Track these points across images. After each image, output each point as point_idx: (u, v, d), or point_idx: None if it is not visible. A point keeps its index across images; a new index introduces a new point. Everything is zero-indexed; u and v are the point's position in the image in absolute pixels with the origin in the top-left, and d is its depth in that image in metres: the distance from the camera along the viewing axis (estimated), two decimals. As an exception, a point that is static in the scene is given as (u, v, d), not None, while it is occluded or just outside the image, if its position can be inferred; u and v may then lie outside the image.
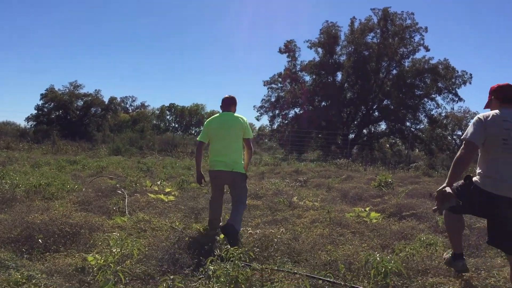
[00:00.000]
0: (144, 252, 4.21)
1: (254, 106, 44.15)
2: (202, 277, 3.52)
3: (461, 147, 3.71)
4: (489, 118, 3.64)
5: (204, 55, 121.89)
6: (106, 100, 52.12)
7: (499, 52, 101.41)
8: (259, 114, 43.61)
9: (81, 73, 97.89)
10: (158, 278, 3.64)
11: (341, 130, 41.34)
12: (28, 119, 48.94)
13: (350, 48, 41.75)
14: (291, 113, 43.31)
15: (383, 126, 45.05)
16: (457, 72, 40.67)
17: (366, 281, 3.60)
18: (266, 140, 52.03)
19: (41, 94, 48.02)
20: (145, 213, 6.35)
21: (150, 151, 26.82)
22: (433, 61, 40.74)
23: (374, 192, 10.26)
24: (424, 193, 9.92)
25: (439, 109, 42.84)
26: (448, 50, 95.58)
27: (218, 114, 5.77)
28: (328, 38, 41.26)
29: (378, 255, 3.66)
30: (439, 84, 41.13)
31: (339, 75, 42.78)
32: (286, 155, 28.41)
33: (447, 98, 41.57)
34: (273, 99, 43.44)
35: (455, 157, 3.71)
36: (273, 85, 43.83)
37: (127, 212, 6.55)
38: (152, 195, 7.64)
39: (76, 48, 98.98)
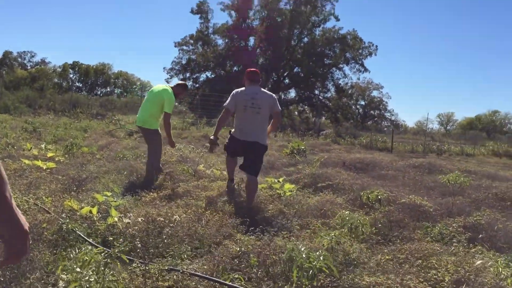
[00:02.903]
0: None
1: (164, 68, 42.46)
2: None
3: (222, 111, 5.68)
4: (239, 92, 5.59)
5: (113, 9, 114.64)
6: None
7: (404, 25, 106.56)
8: (169, 77, 41.81)
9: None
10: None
11: (251, 95, 40.81)
12: None
13: (263, 13, 41.15)
14: (203, 76, 42.10)
15: (292, 93, 45.52)
16: (364, 43, 41.97)
17: (288, 286, 2.75)
18: (176, 103, 50.24)
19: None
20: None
21: (46, 111, 24.28)
22: (342, 31, 41.61)
23: (286, 160, 9.63)
24: (338, 162, 9.45)
25: (346, 79, 44.10)
26: (356, 21, 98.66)
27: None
28: (241, 2, 40.20)
29: (303, 249, 2.82)
30: (347, 55, 42.26)
31: (251, 40, 42.24)
32: (196, 120, 27.24)
33: (354, 69, 42.93)
34: (184, 62, 41.83)
35: (219, 118, 5.72)
36: (185, 47, 42.17)
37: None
38: (26, 161, 6.27)
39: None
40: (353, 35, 41.74)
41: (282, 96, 44.47)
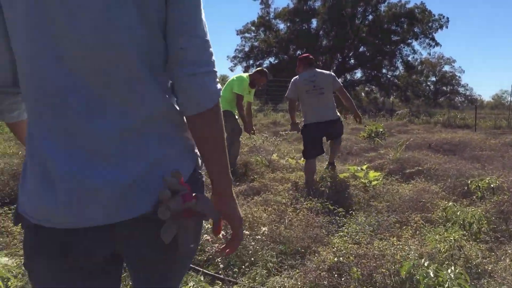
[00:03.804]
0: None
1: (227, 57, 42.64)
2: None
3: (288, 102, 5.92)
4: (297, 79, 5.58)
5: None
6: None
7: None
8: (232, 65, 41.90)
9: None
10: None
11: (316, 79, 40.13)
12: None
13: (325, -7, 39.88)
14: (266, 62, 41.71)
15: (358, 74, 44.17)
16: (434, 16, 39.83)
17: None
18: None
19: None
20: None
21: None
22: (409, 5, 39.73)
23: (364, 144, 8.91)
24: (422, 144, 8.61)
25: (416, 55, 42.16)
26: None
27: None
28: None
29: (426, 264, 2.22)
30: (416, 29, 40.31)
31: (314, 22, 41.30)
32: (262, 106, 26.84)
33: (424, 43, 41.11)
34: (246, 49, 41.66)
35: (288, 109, 5.98)
36: (247, 34, 41.97)
37: None
38: None
39: None
40: (421, 8, 39.65)
41: (348, 77, 43.23)
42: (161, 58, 1.05)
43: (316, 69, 5.66)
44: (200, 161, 1.15)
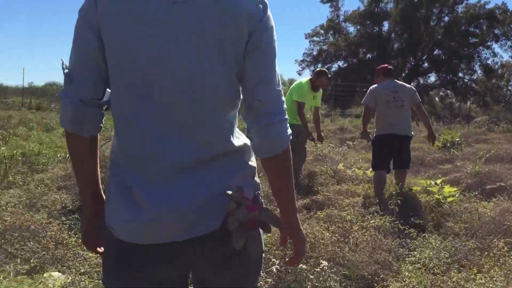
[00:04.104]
0: None
1: (295, 60, 42.07)
2: None
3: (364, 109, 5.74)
4: (377, 87, 5.46)
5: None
6: None
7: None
8: (300, 69, 41.45)
9: None
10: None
11: (388, 83, 39.14)
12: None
13: (398, -5, 38.67)
14: (334, 66, 41.08)
15: (432, 78, 42.30)
16: (516, 16, 37.27)
17: None
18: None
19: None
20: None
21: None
22: (489, 6, 37.45)
23: (439, 155, 8.35)
24: (504, 156, 7.92)
25: (496, 58, 39.78)
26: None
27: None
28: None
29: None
30: (496, 31, 38.06)
31: (385, 25, 40.10)
32: (329, 111, 26.32)
33: (505, 46, 38.55)
34: (315, 53, 41.19)
35: (362, 116, 5.82)
36: (315, 38, 41.49)
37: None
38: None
39: None
40: (503, 9, 37.39)
41: (421, 81, 41.57)
42: (234, 99, 1.20)
43: (396, 80, 5.62)
44: (259, 187, 1.28)
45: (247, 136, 1.24)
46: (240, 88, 1.21)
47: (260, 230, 1.20)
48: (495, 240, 3.60)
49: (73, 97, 1.16)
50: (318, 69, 6.52)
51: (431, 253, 3.23)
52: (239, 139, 1.24)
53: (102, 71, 1.16)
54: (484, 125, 17.09)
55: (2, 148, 6.89)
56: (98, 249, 1.36)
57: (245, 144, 1.24)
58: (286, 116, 1.21)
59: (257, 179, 1.28)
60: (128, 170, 1.16)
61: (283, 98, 1.22)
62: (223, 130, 1.19)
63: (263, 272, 2.70)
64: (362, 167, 6.96)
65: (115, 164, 1.20)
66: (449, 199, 4.95)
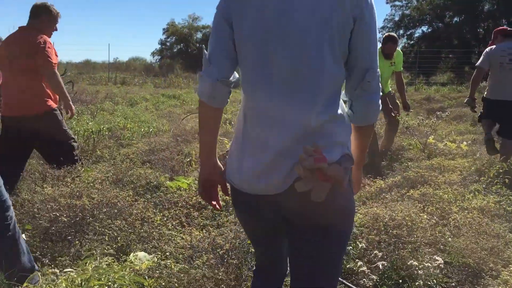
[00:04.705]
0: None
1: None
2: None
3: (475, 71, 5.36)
4: (493, 49, 5.14)
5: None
6: None
7: None
8: (381, 35, 39.70)
9: (200, 5, 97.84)
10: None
11: (476, 48, 36.50)
12: (153, 53, 50.01)
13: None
14: (418, 32, 38.89)
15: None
16: None
17: None
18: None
19: (163, 29, 48.77)
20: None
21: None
22: None
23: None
24: None
25: None
26: None
27: None
28: None
29: None
30: None
31: (475, -16, 36.95)
32: (413, 79, 24.98)
33: None
34: (397, 18, 39.12)
35: (472, 78, 5.30)
36: (397, 2, 39.31)
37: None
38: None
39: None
40: None
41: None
42: (340, 80, 1.41)
43: None
44: (348, 153, 1.45)
45: (350, 109, 1.47)
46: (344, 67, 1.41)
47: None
48: None
49: (212, 76, 1.45)
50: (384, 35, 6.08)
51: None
52: (343, 114, 1.46)
53: (234, 55, 1.46)
54: None
55: (90, 123, 7.14)
56: (213, 202, 1.68)
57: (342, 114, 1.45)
58: (381, 92, 1.46)
59: (349, 143, 1.48)
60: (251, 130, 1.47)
61: (380, 77, 1.44)
62: (334, 101, 1.42)
63: (367, 269, 2.49)
64: (455, 140, 6.43)
65: (241, 126, 1.50)
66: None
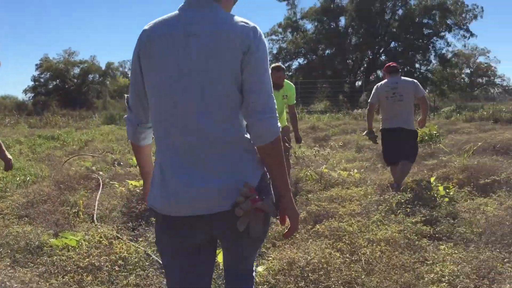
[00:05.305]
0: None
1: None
2: None
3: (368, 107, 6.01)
4: (381, 85, 5.77)
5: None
6: (103, 66, 50.94)
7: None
8: (266, 67, 41.18)
9: (75, 40, 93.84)
10: None
11: (348, 77, 39.56)
12: (25, 91, 47.13)
13: (352, -10, 39.00)
14: (295, 64, 41.11)
15: (390, 70, 42.83)
16: (467, 6, 38.41)
17: None
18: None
19: (36, 65, 46.09)
20: (110, 223, 4.26)
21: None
22: (441, -4, 38.10)
23: (420, 149, 8.12)
24: (485, 146, 7.77)
25: (450, 47, 40.76)
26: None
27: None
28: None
29: None
30: (449, 21, 38.93)
31: (342, 20, 40.45)
32: (296, 109, 26.09)
33: (458, 35, 39.64)
34: (275, 51, 40.98)
35: (367, 114, 6.02)
36: (274, 37, 41.34)
37: (95, 218, 4.47)
38: (133, 183, 5.53)
39: (67, 15, 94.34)
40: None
41: (380, 74, 42.12)
42: (238, 104, 1.60)
43: (402, 77, 5.85)
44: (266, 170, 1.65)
45: (246, 130, 1.65)
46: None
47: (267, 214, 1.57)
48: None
49: (132, 121, 1.74)
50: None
51: (454, 268, 2.90)
52: (246, 135, 1.64)
53: (147, 103, 1.68)
54: (452, 115, 17.19)
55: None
56: None
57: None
58: (276, 114, 1.58)
59: (259, 160, 1.64)
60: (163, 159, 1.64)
61: (273, 101, 1.59)
62: (236, 126, 1.62)
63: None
64: (346, 168, 6.64)
65: (157, 159, 1.66)
66: (446, 200, 4.70)
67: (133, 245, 3.51)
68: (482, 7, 38.40)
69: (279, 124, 1.58)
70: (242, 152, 1.60)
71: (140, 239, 3.76)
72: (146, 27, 1.64)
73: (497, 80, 51.82)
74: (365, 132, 5.98)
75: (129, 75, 1.76)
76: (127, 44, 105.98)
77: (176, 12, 1.64)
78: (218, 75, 1.53)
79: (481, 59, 51.22)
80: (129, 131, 1.76)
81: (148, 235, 3.82)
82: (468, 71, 52.42)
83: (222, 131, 1.56)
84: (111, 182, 5.99)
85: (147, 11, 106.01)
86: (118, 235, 3.78)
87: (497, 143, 7.90)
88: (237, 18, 1.61)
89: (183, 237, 1.64)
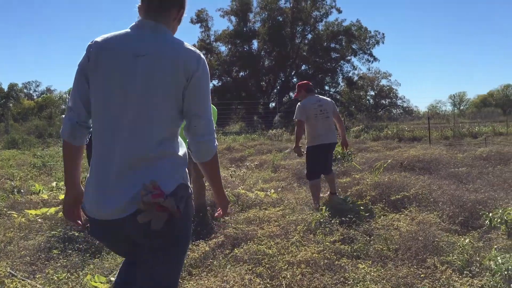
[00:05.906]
0: None
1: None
2: None
3: (296, 124, 5.89)
4: (305, 103, 5.85)
5: (104, 28, 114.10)
6: (5, 87, 47.75)
7: (409, 10, 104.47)
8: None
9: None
10: None
11: (262, 99, 40.29)
12: None
13: (263, 15, 40.31)
14: (210, 86, 41.15)
15: (302, 92, 44.33)
16: (370, 32, 41.00)
17: None
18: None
19: None
20: (4, 258, 3.79)
21: (57, 140, 23.12)
22: (346, 23, 40.74)
23: (334, 167, 8.30)
24: (393, 163, 8.10)
25: (356, 70, 43.23)
26: (359, 11, 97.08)
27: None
28: (240, 5, 39.54)
29: None
30: (354, 46, 41.28)
31: (255, 43, 41.37)
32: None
33: (363, 59, 42.22)
34: (188, 73, 40.76)
35: (296, 131, 5.91)
36: (187, 58, 41.11)
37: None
38: (33, 212, 5.02)
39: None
40: (358, 26, 40.75)
41: (292, 95, 43.37)
42: (175, 125, 1.78)
43: (317, 95, 6.08)
44: (188, 178, 1.84)
45: (188, 148, 1.83)
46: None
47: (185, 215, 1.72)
48: (428, 259, 3.38)
49: (72, 120, 1.81)
50: None
51: (375, 287, 2.86)
52: (176, 150, 1.79)
53: (89, 105, 1.78)
54: (362, 134, 17.97)
55: None
56: (77, 221, 1.95)
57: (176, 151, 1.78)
58: (215, 136, 1.82)
59: (184, 175, 1.78)
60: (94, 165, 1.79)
61: (212, 124, 1.79)
62: (170, 141, 1.76)
63: None
64: (263, 188, 6.58)
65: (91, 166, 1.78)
66: (363, 214, 4.77)
67: (28, 283, 3.12)
68: (383, 34, 41.18)
69: (216, 143, 1.81)
70: (168, 165, 1.70)
71: (38, 275, 3.36)
72: (98, 39, 1.74)
73: (398, 102, 55.34)
74: (294, 148, 5.98)
75: (73, 81, 1.78)
76: (31, 64, 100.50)
77: (128, 30, 1.75)
78: (160, 99, 1.66)
79: (383, 82, 54.63)
80: (66, 129, 1.81)
81: (47, 270, 3.42)
82: (372, 93, 55.65)
83: (153, 149, 1.67)
84: (8, 212, 5.42)
85: (49, 29, 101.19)
86: (12, 272, 3.35)
87: (404, 160, 8.27)
88: (184, 45, 1.73)
89: (108, 239, 1.88)
